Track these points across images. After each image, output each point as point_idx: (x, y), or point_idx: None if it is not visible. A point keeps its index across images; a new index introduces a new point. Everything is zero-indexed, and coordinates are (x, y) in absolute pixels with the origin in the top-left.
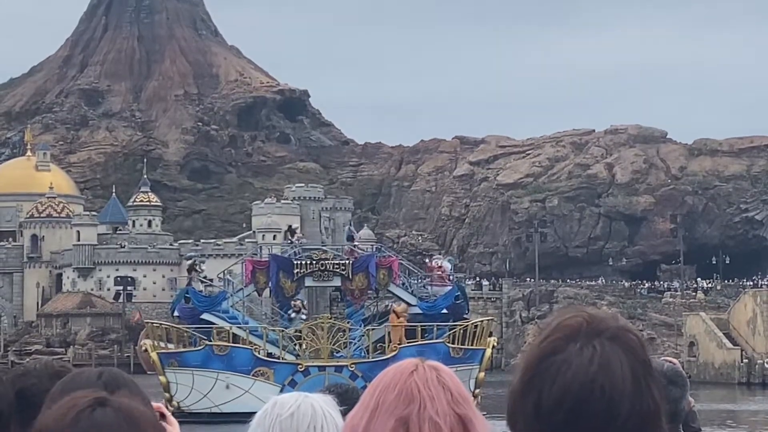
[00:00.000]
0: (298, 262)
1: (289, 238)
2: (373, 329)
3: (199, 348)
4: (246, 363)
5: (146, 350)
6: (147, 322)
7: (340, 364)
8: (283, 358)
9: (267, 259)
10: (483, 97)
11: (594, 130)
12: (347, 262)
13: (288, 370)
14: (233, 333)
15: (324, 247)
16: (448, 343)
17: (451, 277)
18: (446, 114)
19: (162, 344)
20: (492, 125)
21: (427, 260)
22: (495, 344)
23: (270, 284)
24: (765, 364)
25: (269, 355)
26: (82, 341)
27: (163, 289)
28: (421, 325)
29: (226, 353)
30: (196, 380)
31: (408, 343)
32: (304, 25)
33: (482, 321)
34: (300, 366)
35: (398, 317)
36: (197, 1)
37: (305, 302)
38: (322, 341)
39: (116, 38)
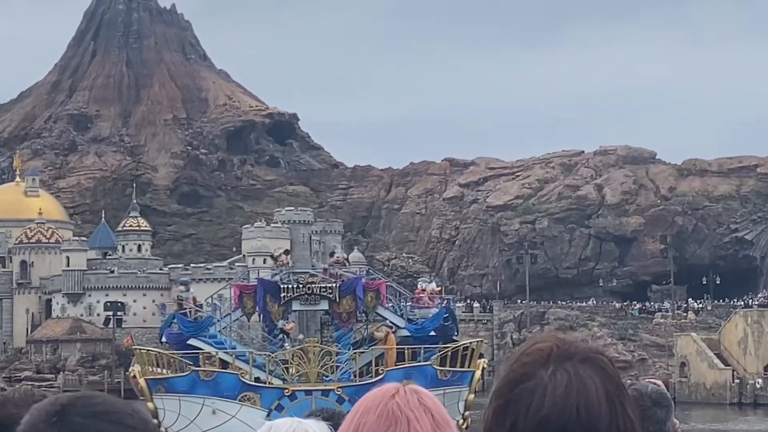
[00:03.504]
0: (285, 286)
1: (275, 264)
2: (361, 353)
3: (185, 374)
4: (232, 388)
5: (134, 376)
6: (135, 348)
7: (326, 388)
8: (270, 383)
9: (254, 283)
10: (472, 119)
11: (583, 152)
12: (334, 285)
13: (274, 395)
14: (223, 358)
15: (312, 271)
16: (436, 365)
17: (434, 298)
18: (435, 136)
19: (154, 370)
20: (481, 147)
21: (419, 284)
22: (485, 366)
23: (257, 309)
24: (756, 384)
25: (257, 380)
26: (72, 367)
27: (153, 314)
28: (409, 348)
29: (212, 378)
30: (182, 406)
31: (395, 366)
32: (293, 49)
33: (471, 343)
34: (286, 390)
35: (383, 342)
36: (186, 26)
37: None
38: (309, 365)
39: (105, 63)
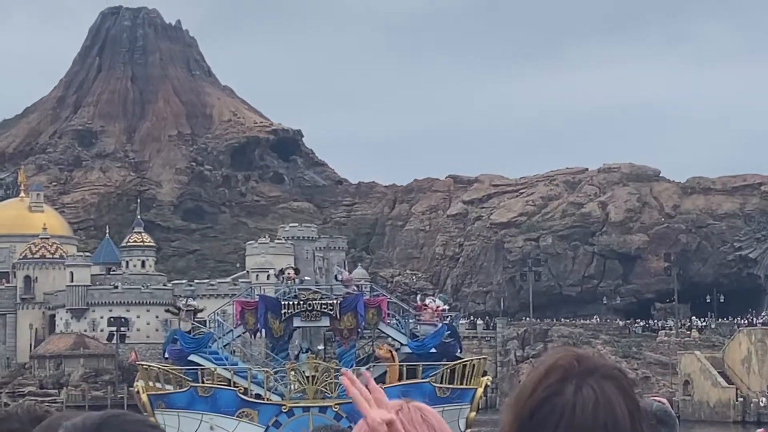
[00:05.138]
0: (286, 302)
1: (287, 277)
2: (361, 371)
3: (184, 389)
4: (230, 404)
5: (138, 391)
6: (139, 364)
7: (324, 404)
8: (268, 399)
9: (256, 299)
10: (476, 136)
11: (587, 169)
12: (335, 302)
13: (272, 411)
14: (228, 375)
15: (313, 287)
16: (434, 382)
17: (438, 316)
18: (439, 153)
19: (159, 385)
20: (485, 164)
21: (418, 299)
22: (489, 383)
23: (259, 325)
24: (760, 403)
25: (257, 396)
26: (75, 383)
27: (157, 330)
28: (407, 365)
29: (210, 395)
30: (182, 422)
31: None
32: (297, 65)
33: (472, 360)
34: (284, 407)
35: (384, 360)
36: (191, 42)
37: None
38: (308, 382)
39: (110, 79)
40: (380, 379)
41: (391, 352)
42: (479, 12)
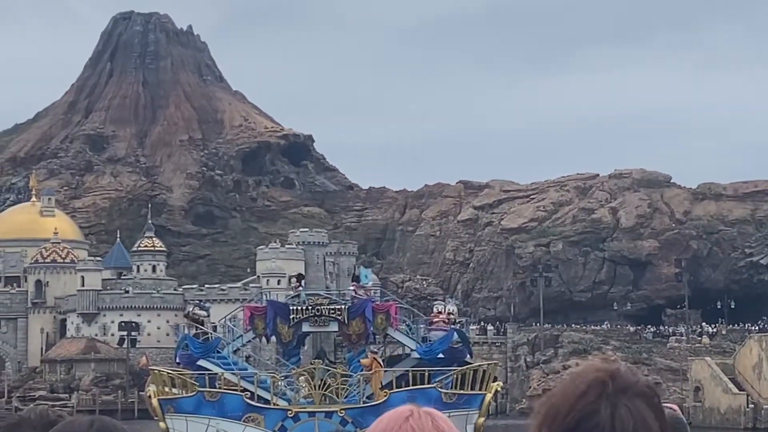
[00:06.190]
0: (294, 307)
1: (293, 286)
2: (368, 376)
3: (192, 394)
4: (237, 409)
5: (150, 396)
6: (150, 369)
7: (330, 410)
8: (275, 404)
9: (265, 305)
10: (487, 141)
11: (598, 175)
12: (343, 307)
13: (278, 416)
14: (235, 380)
15: (321, 292)
16: (440, 387)
17: (447, 320)
18: (450, 159)
19: (169, 390)
20: (496, 170)
21: (434, 308)
22: (499, 389)
23: (268, 330)
24: None
25: (265, 401)
26: (86, 387)
27: (167, 335)
28: (415, 370)
29: (217, 399)
30: (189, 426)
31: (396, 389)
32: (308, 71)
33: (482, 365)
34: (290, 412)
35: (370, 369)
36: (202, 47)
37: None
38: (314, 387)
39: (121, 84)
40: (390, 385)
41: (375, 360)
42: (489, 18)
